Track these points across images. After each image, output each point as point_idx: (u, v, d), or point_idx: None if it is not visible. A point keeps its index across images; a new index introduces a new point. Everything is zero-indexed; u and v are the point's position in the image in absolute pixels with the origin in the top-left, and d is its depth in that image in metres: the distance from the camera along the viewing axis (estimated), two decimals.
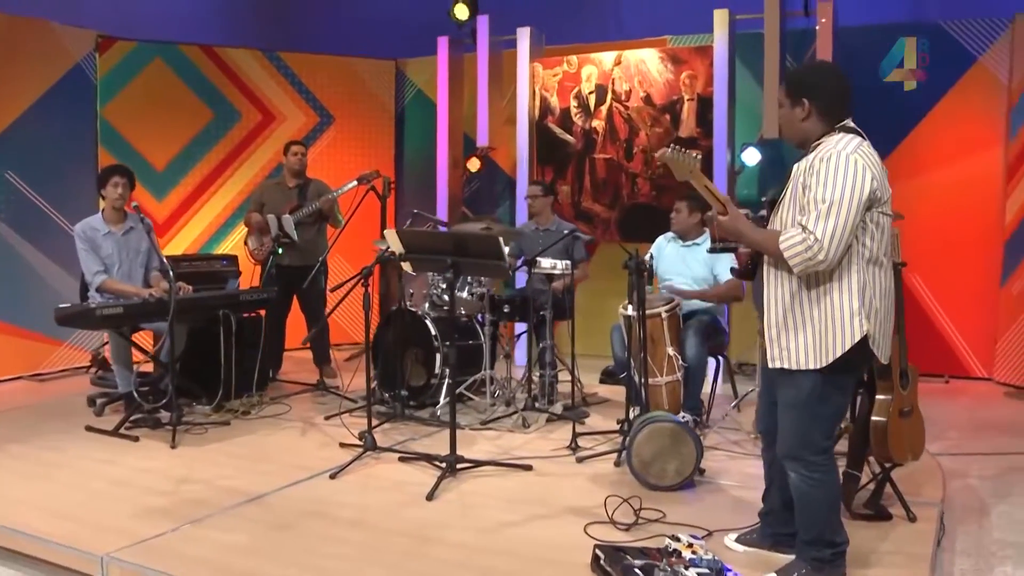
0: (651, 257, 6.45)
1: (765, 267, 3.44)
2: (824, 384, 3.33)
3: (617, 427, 5.82)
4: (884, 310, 3.35)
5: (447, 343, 6.15)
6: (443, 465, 4.98)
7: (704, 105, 8.50)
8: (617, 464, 5.27)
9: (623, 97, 8.82)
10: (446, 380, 6.44)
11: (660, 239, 6.61)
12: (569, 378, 6.64)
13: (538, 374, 6.79)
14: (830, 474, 3.46)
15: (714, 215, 3.48)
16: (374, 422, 5.92)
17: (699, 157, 3.39)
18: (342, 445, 5.59)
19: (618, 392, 7.35)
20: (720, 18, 8.25)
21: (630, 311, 5.62)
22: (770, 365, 3.41)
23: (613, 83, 8.83)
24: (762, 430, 3.85)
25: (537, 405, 6.48)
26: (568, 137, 9.06)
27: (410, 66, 10.28)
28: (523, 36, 8.99)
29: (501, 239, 4.89)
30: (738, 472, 5.19)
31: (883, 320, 3.35)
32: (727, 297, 6.32)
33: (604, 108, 8.90)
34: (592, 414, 6.58)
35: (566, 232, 6.57)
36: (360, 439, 5.43)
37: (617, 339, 6.18)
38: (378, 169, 7.06)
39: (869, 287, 3.30)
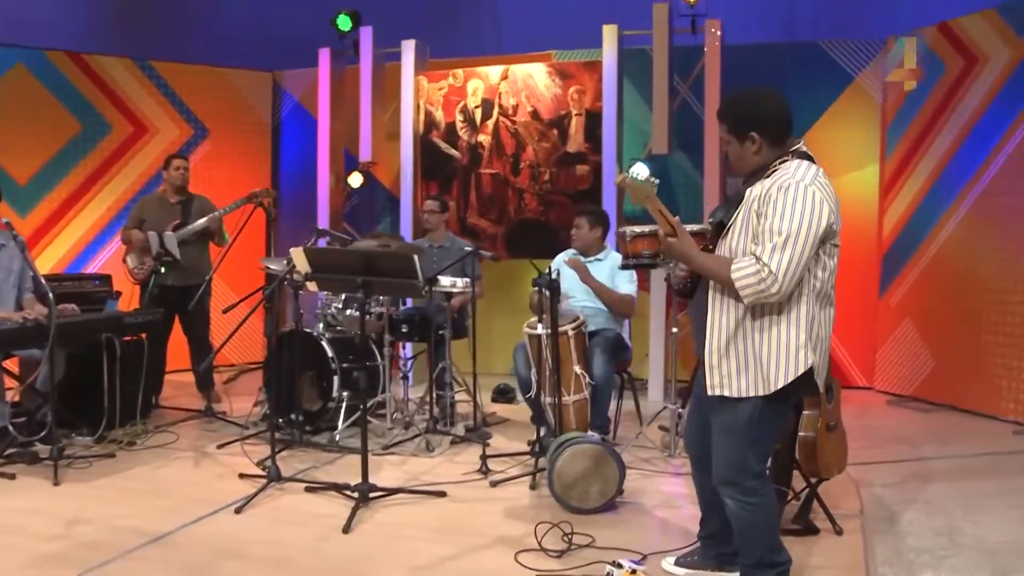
0: (557, 274, 6.32)
1: (710, 292, 3.33)
2: (762, 410, 3.25)
3: (528, 448, 5.70)
4: (827, 340, 3.31)
5: (357, 365, 5.88)
6: (355, 495, 4.74)
7: (592, 120, 8.48)
8: (533, 487, 5.14)
9: (510, 111, 8.72)
10: (344, 403, 6.20)
11: (560, 256, 6.52)
12: (465, 398, 6.50)
13: (436, 395, 6.61)
14: (766, 497, 3.39)
15: (663, 237, 3.38)
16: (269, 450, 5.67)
17: (657, 182, 3.29)
18: (242, 476, 5.27)
19: (517, 412, 7.27)
20: (609, 33, 8.25)
21: (540, 330, 5.50)
22: (709, 392, 3.30)
23: (500, 97, 8.73)
24: (693, 454, 3.75)
25: (439, 427, 6.29)
26: (453, 152, 8.90)
27: (287, 78, 9.95)
28: (408, 49, 8.79)
29: (416, 257, 4.70)
30: (656, 491, 5.12)
31: (825, 351, 3.31)
32: (621, 307, 6.25)
33: (491, 122, 8.78)
34: (494, 435, 6.42)
35: (470, 249, 6.41)
36: (263, 469, 5.13)
37: (521, 359, 6.04)
38: (267, 187, 6.79)
39: (816, 320, 3.23)
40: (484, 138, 8.80)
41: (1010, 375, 7.18)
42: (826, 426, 4.31)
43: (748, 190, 3.28)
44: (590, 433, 5.60)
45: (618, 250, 5.97)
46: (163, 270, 6.78)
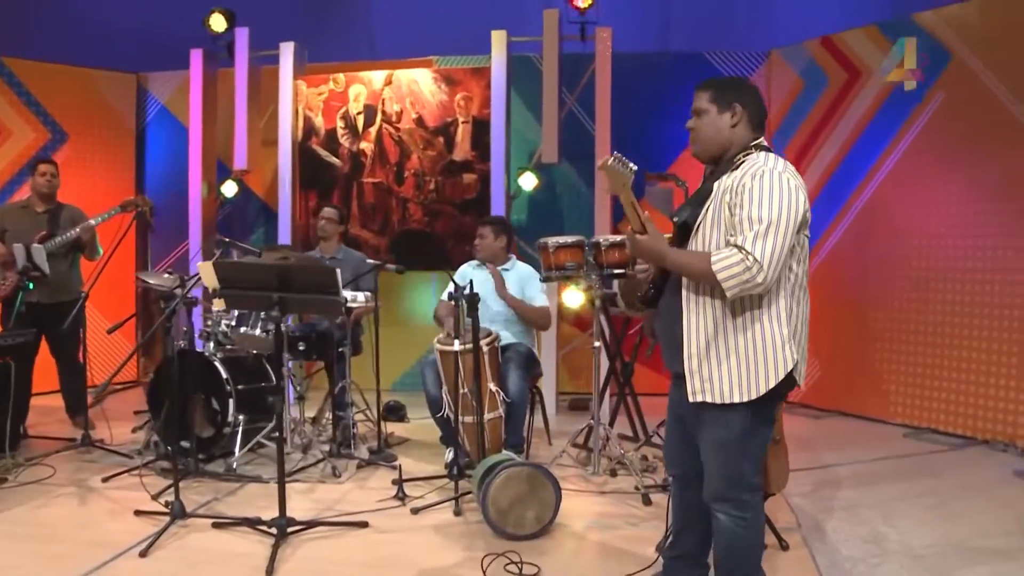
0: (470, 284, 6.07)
1: (684, 293, 3.15)
2: (753, 418, 3.12)
3: (443, 471, 5.43)
4: (805, 336, 3.19)
5: (263, 387, 5.49)
6: (271, 530, 4.36)
7: (479, 128, 8.28)
8: (457, 513, 4.86)
9: (394, 118, 8.42)
10: (240, 428, 5.78)
11: (465, 267, 6.27)
12: (361, 418, 6.18)
13: (330, 416, 6.26)
14: (759, 512, 3.27)
15: (630, 235, 3.18)
16: (163, 482, 5.23)
17: (635, 169, 3.09)
18: (138, 513, 4.77)
19: (412, 430, 6.98)
20: (498, 39, 8.06)
21: (456, 346, 5.23)
22: (691, 399, 3.12)
23: (383, 103, 8.42)
24: (675, 472, 3.54)
25: (343, 451, 5.94)
26: (334, 160, 8.53)
27: (153, 81, 9.34)
28: (286, 52, 8.37)
29: (339, 271, 4.37)
30: (588, 512, 4.94)
31: (804, 346, 3.19)
32: (540, 321, 6.07)
33: (373, 129, 8.46)
34: (399, 456, 6.10)
35: (372, 262, 6.09)
36: (165, 505, 4.68)
37: (431, 376, 5.77)
38: (140, 195, 6.28)
39: (795, 313, 3.12)
40: (366, 145, 8.47)
41: (898, 379, 7.35)
42: (774, 441, 4.21)
43: (715, 184, 3.13)
44: (506, 452, 5.40)
45: (534, 261, 5.79)
46: (31, 286, 6.17)
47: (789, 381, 3.09)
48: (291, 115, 8.43)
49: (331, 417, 6.14)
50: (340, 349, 6.13)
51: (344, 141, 8.49)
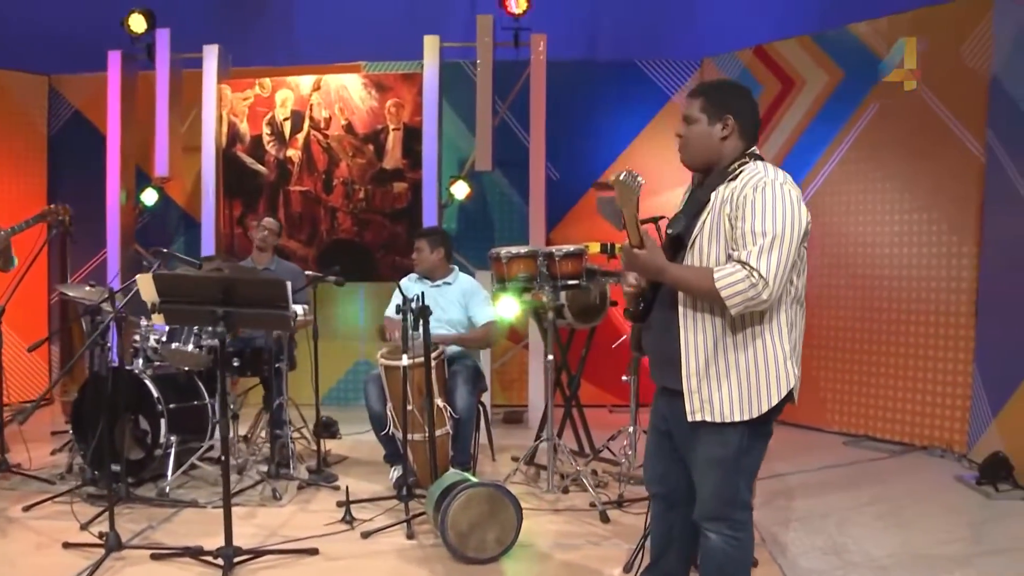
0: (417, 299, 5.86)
1: (681, 309, 3.01)
2: (750, 436, 3.01)
3: (391, 492, 5.24)
4: (800, 351, 3.10)
5: (220, 408, 5.20)
6: (217, 560, 4.11)
7: (411, 135, 8.08)
8: (410, 536, 4.66)
9: (322, 125, 8.17)
10: (172, 450, 5.48)
11: (405, 281, 6.02)
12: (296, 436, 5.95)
13: (265, 434, 6.00)
14: (751, 531, 3.14)
15: (627, 249, 3.02)
16: (91, 510, 4.91)
17: (643, 183, 2.94)
18: (67, 546, 4.44)
19: (353, 448, 6.77)
20: (430, 44, 7.89)
21: (404, 360, 5.02)
22: (690, 419, 2.99)
23: (311, 109, 8.16)
24: (658, 492, 3.38)
25: (282, 471, 5.68)
26: (260, 167, 8.24)
27: (66, 83, 8.88)
28: (210, 54, 8.05)
29: (288, 284, 4.15)
30: (546, 531, 4.79)
31: (800, 363, 3.10)
32: (484, 342, 5.92)
33: (301, 136, 8.20)
34: (339, 476, 5.87)
35: (313, 274, 5.85)
36: (100, 536, 4.37)
37: (374, 392, 5.56)
38: (60, 204, 5.93)
39: (795, 328, 3.03)
40: (293, 153, 8.21)
41: (835, 388, 7.38)
42: None
43: (712, 194, 3.00)
44: (454, 470, 5.23)
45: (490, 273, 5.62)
46: None
47: (789, 397, 2.99)
48: (215, 121, 8.12)
49: (268, 436, 5.87)
50: (277, 365, 5.87)
51: (270, 148, 8.21)
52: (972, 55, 6.48)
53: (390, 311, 5.81)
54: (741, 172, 2.99)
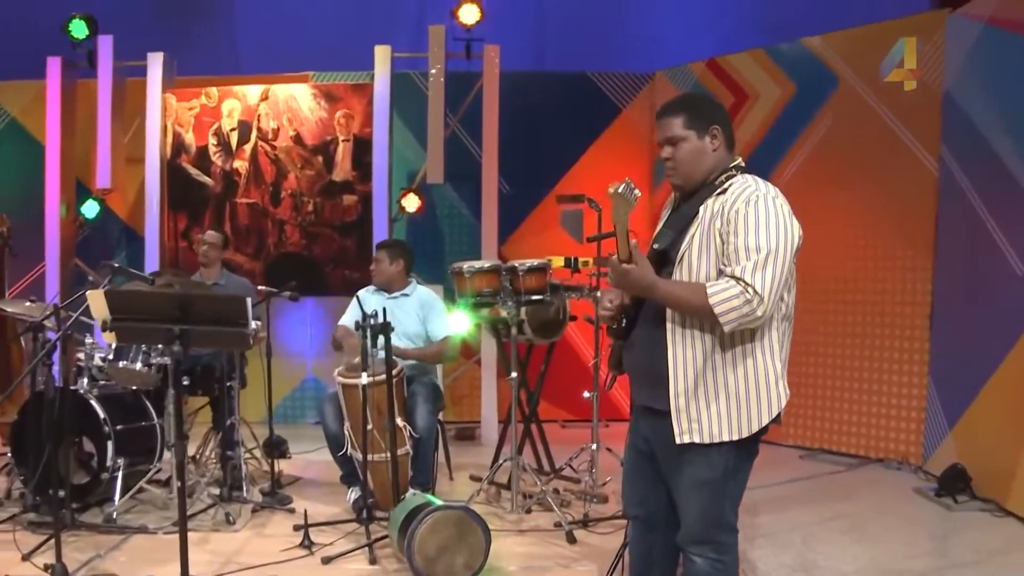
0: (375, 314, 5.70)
1: (669, 326, 2.91)
2: (737, 457, 2.92)
3: (351, 514, 5.08)
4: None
5: (178, 431, 5.00)
6: None
7: (360, 147, 7.94)
8: (373, 562, 4.51)
9: (270, 136, 7.99)
10: (120, 473, 5.25)
11: (362, 293, 5.86)
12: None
13: (214, 455, 5.81)
14: (736, 554, 3.05)
15: (615, 264, 2.87)
16: (33, 538, 4.68)
17: (639, 196, 2.84)
18: None
19: (306, 468, 6.58)
20: (381, 55, 7.76)
21: (364, 379, 4.86)
22: (678, 440, 2.89)
23: (259, 120, 7.97)
24: (637, 514, 3.25)
25: (234, 494, 5.48)
26: (205, 179, 8.02)
27: (2, 90, 8.54)
28: (155, 62, 7.82)
29: (248, 300, 3.98)
30: (513, 554, 4.68)
31: None
32: (441, 357, 5.79)
33: (248, 147, 8.01)
34: (293, 498, 5.68)
35: (267, 289, 5.67)
36: (46, 570, 4.14)
37: (331, 411, 5.39)
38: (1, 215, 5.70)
39: (785, 346, 2.96)
40: (240, 164, 8.01)
41: (790, 401, 7.28)
42: None
43: (701, 208, 2.91)
44: (413, 491, 5.10)
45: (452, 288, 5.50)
46: None
47: (777, 416, 2.92)
48: (159, 131, 7.89)
49: (219, 457, 5.67)
50: (229, 383, 5.68)
51: (216, 159, 8.00)
52: (925, 70, 6.52)
53: (347, 320, 5.66)
54: (731, 185, 2.91)
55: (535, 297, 5.15)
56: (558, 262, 5.36)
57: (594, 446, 5.51)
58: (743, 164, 3.02)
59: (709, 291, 2.76)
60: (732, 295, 2.74)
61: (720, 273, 2.82)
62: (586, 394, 5.53)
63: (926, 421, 6.56)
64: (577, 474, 5.79)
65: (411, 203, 7.95)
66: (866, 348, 6.92)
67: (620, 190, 2.72)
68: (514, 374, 5.29)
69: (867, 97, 6.87)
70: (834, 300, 7.08)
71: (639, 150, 8.53)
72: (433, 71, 7.64)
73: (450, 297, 6.46)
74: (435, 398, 5.52)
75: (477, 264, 5.26)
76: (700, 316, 2.83)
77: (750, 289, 2.72)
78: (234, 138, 7.99)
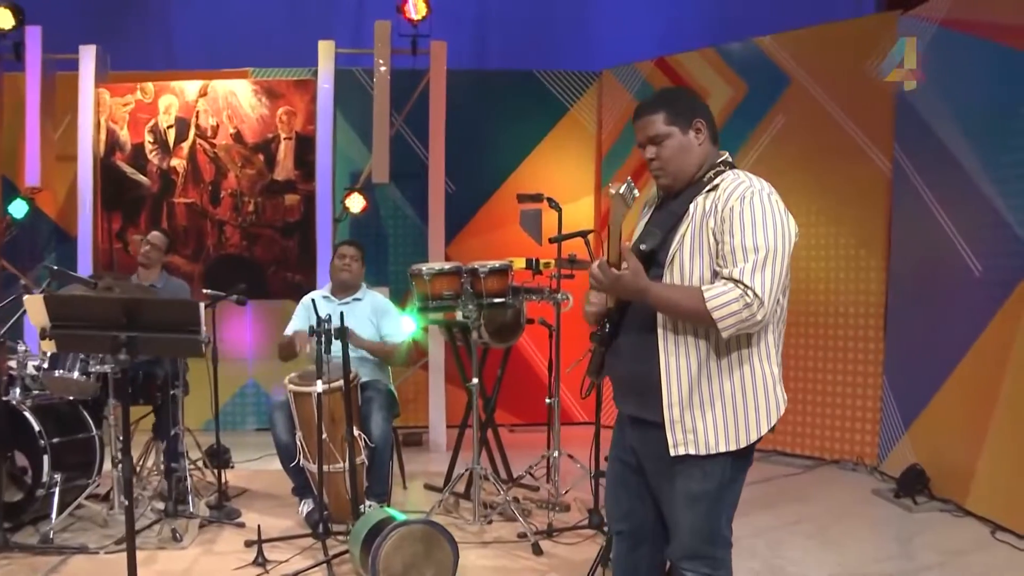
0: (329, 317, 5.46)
1: (660, 332, 2.75)
2: (733, 467, 2.79)
3: (306, 529, 4.86)
4: None
5: (125, 445, 4.72)
6: None
7: (303, 145, 7.70)
8: None
9: (209, 133, 7.70)
10: (57, 489, 4.96)
11: (312, 296, 5.64)
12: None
13: (159, 467, 5.54)
14: (730, 569, 2.91)
15: (603, 267, 2.70)
16: None
17: (636, 196, 2.69)
18: None
19: (252, 478, 6.35)
20: (325, 50, 7.53)
21: (320, 387, 4.64)
22: (672, 452, 2.74)
23: (197, 116, 7.68)
24: (623, 528, 3.08)
25: (180, 509, 5.21)
26: (141, 178, 7.70)
27: None
28: (86, 56, 7.47)
29: (202, 305, 3.75)
30: (480, 568, 4.51)
31: None
32: (396, 357, 5.58)
33: (186, 145, 7.71)
34: (242, 511, 5.43)
35: (214, 293, 5.42)
36: None
37: (282, 420, 5.15)
38: None
39: (780, 349, 2.84)
40: (178, 162, 7.71)
41: None
42: None
43: (691, 205, 2.77)
44: (368, 503, 4.92)
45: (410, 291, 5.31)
46: None
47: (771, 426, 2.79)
48: (92, 127, 7.54)
49: (162, 470, 5.40)
50: (172, 391, 5.42)
51: (153, 157, 7.69)
52: (878, 71, 6.50)
53: (295, 328, 5.43)
54: (722, 181, 2.77)
55: (497, 300, 4.98)
56: (519, 263, 5.20)
57: (555, 453, 5.36)
58: (731, 159, 2.89)
59: (706, 295, 2.62)
60: (731, 299, 2.60)
61: (715, 275, 2.68)
62: (548, 400, 5.38)
63: (881, 422, 6.55)
64: (536, 481, 5.64)
65: (355, 203, 7.73)
66: (820, 349, 6.89)
67: (621, 191, 2.57)
68: (475, 380, 5.10)
69: (819, 97, 6.84)
70: (788, 300, 7.01)
71: (587, 149, 8.44)
72: (383, 67, 7.42)
73: (396, 300, 6.29)
74: (390, 405, 5.33)
75: (437, 266, 5.07)
76: (696, 321, 2.69)
77: (749, 292, 2.59)
78: (171, 135, 7.69)
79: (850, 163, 6.69)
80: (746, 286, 2.59)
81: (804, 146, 6.92)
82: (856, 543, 4.96)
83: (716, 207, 2.71)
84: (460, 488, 5.45)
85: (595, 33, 8.69)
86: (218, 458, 5.66)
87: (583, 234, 4.82)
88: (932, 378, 5.94)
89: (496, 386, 5.91)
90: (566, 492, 5.48)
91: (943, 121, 5.91)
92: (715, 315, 2.60)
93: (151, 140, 7.67)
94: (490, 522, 5.15)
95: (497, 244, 7.81)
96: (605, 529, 4.56)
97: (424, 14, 7.36)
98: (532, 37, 8.72)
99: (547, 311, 5.70)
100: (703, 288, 2.65)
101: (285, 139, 7.74)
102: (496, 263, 4.98)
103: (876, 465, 6.53)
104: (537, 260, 5.25)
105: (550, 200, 5.21)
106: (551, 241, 5.04)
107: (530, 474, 5.64)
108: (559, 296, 5.16)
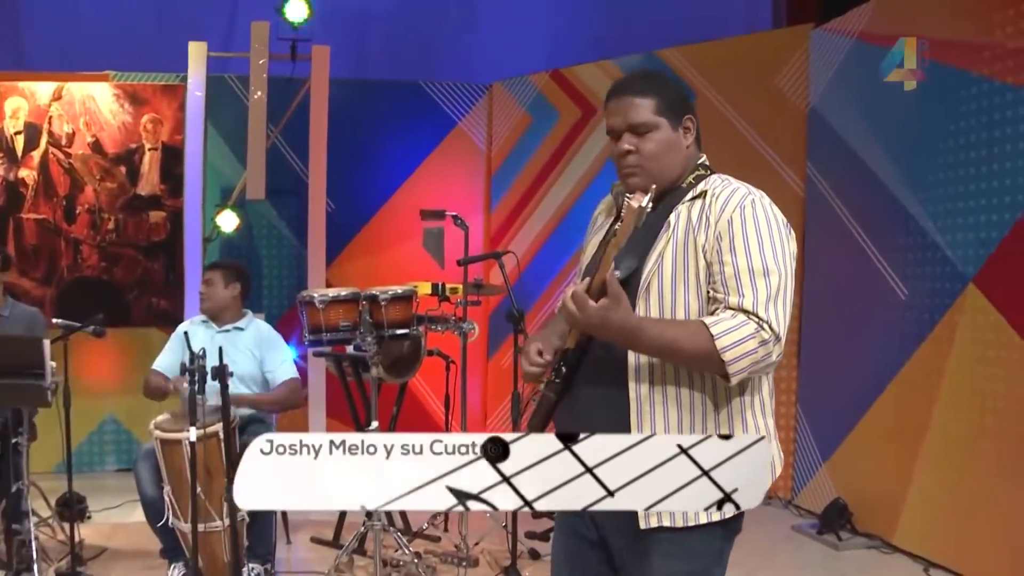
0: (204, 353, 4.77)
1: (632, 383, 2.24)
2: (723, 538, 2.30)
3: None
4: None
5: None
6: None
7: (170, 156, 7.03)
8: None
9: (64, 141, 6.94)
10: None
11: (186, 326, 4.91)
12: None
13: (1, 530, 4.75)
14: None
15: (581, 299, 2.11)
16: None
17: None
18: None
19: (110, 534, 5.58)
20: (196, 52, 6.83)
21: (193, 435, 3.96)
22: (642, 525, 2.23)
23: (51, 122, 6.90)
24: None
25: None
26: None
27: None
28: None
29: (47, 343, 3.10)
30: None
31: None
32: (287, 403, 4.92)
33: (37, 154, 6.92)
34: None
35: (67, 323, 4.66)
36: None
37: (147, 472, 4.45)
38: None
39: (773, 396, 2.38)
40: (27, 173, 6.92)
41: None
42: None
43: (672, 216, 2.30)
44: (250, 567, 4.31)
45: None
46: None
47: None
48: None
49: (2, 533, 4.63)
50: (15, 439, 4.65)
51: None
52: (789, 85, 6.28)
53: (166, 363, 4.76)
54: (707, 187, 2.33)
55: (400, 331, 4.38)
56: (424, 289, 4.65)
57: None
58: (707, 162, 2.45)
59: (714, 331, 2.11)
60: (746, 335, 2.10)
61: (714, 301, 2.20)
62: None
63: (795, 453, 6.26)
64: (437, 531, 5.10)
65: (228, 221, 7.06)
66: None
67: (644, 203, 2.09)
68: (375, 423, 4.49)
69: (726, 113, 6.54)
70: None
71: (476, 164, 7.96)
72: (263, 73, 6.76)
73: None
74: None
75: (332, 292, 4.40)
76: (697, 366, 2.20)
77: (766, 327, 2.11)
78: (20, 143, 6.88)
79: (760, 182, 6.26)
80: (760, 319, 2.11)
81: (712, 162, 6.58)
82: None
83: (707, 219, 2.25)
84: (353, 542, 4.84)
85: (485, 43, 8.21)
86: (71, 510, 4.91)
87: (496, 255, 4.31)
88: (852, 408, 5.69)
89: (392, 425, 5.34)
90: (475, 544, 4.93)
91: (861, 138, 5.68)
92: (726, 356, 2.09)
93: None
94: None
95: (382, 267, 7.31)
96: None
97: (306, 17, 6.77)
98: (418, 46, 8.17)
99: (446, 341, 5.19)
100: (705, 321, 2.15)
101: (150, 150, 7.06)
102: (399, 289, 4.35)
103: (790, 499, 6.25)
104: (444, 285, 4.71)
105: (455, 217, 4.69)
106: (459, 264, 4.51)
107: (431, 524, 5.09)
108: (465, 326, 4.65)
